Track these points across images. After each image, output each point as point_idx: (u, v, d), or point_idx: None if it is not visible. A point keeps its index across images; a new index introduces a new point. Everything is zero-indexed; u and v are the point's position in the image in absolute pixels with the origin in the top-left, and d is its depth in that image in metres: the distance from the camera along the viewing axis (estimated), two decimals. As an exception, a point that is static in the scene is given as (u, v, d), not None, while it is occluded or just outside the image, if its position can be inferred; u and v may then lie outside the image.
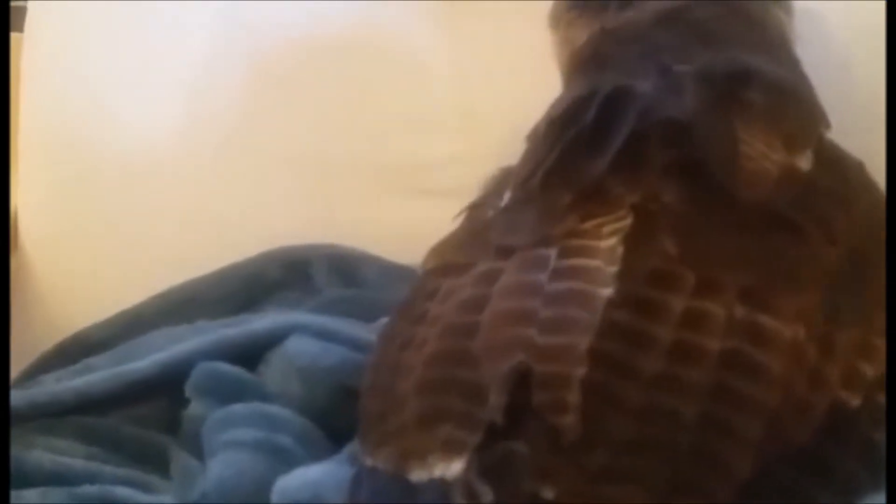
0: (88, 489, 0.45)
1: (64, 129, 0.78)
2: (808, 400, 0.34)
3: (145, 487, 0.46)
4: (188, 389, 0.50)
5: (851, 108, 0.77)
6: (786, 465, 0.33)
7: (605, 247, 0.37)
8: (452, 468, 0.32)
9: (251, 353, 0.52)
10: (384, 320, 0.54)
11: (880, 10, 0.71)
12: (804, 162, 0.41)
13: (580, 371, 0.33)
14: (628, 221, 0.37)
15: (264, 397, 0.49)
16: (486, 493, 0.31)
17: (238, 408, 0.47)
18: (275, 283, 0.65)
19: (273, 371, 0.50)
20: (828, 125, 0.46)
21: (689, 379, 0.33)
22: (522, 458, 0.32)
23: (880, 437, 0.36)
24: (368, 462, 0.36)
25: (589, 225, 0.38)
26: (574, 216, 0.39)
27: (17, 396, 0.51)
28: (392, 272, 0.65)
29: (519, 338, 0.35)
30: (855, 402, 0.36)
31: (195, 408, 0.49)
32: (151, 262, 0.75)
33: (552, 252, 0.38)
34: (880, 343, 0.38)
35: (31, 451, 0.47)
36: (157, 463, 0.49)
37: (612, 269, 0.36)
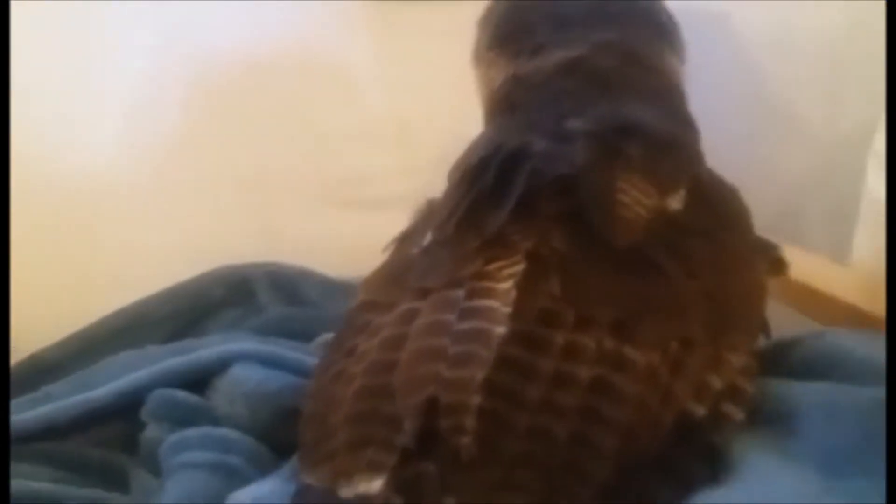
0: (57, 510, 0.49)
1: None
2: (659, 416, 0.41)
3: (109, 505, 0.50)
4: (144, 415, 0.55)
5: (754, 110, 0.83)
6: (639, 469, 0.39)
7: (502, 289, 0.42)
8: (374, 486, 0.38)
9: (199, 379, 0.56)
10: (325, 336, 0.59)
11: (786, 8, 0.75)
12: (676, 202, 0.47)
13: (476, 400, 0.39)
14: (522, 266, 0.43)
15: (214, 420, 0.53)
16: None
17: (191, 432, 0.52)
18: (219, 302, 0.70)
19: (220, 395, 0.55)
20: (702, 163, 0.52)
21: (564, 403, 0.39)
22: (431, 475, 0.38)
23: (720, 441, 0.42)
24: (306, 480, 0.42)
25: (492, 267, 0.44)
26: (480, 259, 0.45)
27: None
28: (332, 288, 0.70)
29: (430, 373, 0.40)
30: (700, 411, 0.42)
31: (152, 431, 0.54)
32: (95, 283, 0.77)
33: (461, 293, 0.43)
34: (731, 357, 0.45)
35: (-1, 477, 0.51)
36: (118, 482, 0.53)
37: (507, 309, 0.41)
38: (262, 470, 0.50)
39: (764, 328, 0.50)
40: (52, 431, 0.55)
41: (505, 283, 0.43)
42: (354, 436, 0.40)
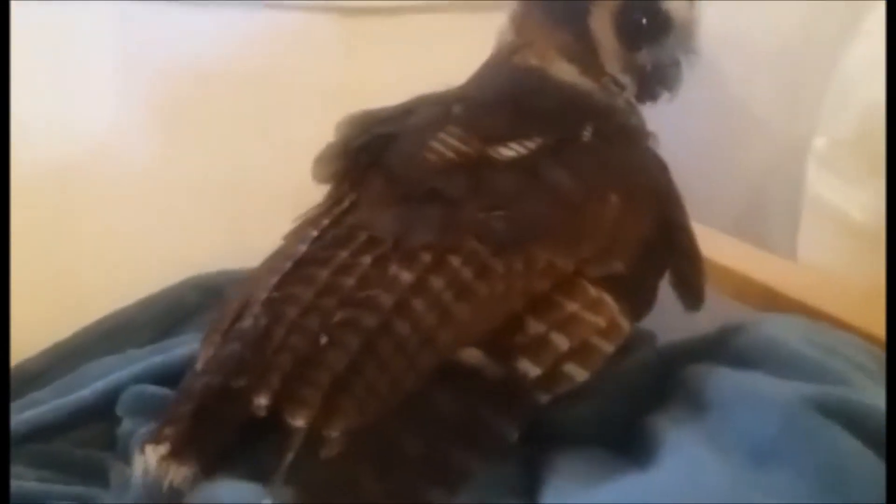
0: (42, 508, 0.52)
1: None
2: (435, 333, 0.46)
3: (91, 501, 0.53)
4: (119, 410, 0.58)
5: (713, 112, 0.85)
6: (435, 428, 0.44)
7: (325, 221, 0.52)
8: (208, 353, 0.49)
9: (176, 374, 0.59)
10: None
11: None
12: (509, 151, 0.52)
13: (264, 296, 0.49)
14: (345, 204, 0.53)
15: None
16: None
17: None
18: (195, 307, 0.74)
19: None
20: (579, 129, 0.54)
21: (325, 306, 0.47)
22: (241, 341, 0.48)
23: (546, 399, 0.45)
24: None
25: (335, 208, 0.53)
26: (330, 201, 0.55)
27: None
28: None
29: (259, 279, 0.51)
30: (534, 371, 0.45)
31: (126, 425, 0.57)
32: (73, 293, 0.81)
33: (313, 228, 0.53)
34: (586, 315, 0.47)
35: (-15, 479, 0.54)
36: (100, 478, 0.56)
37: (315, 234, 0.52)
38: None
39: (644, 289, 0.52)
40: (38, 434, 0.59)
41: (329, 217, 0.53)
42: (215, 319, 0.53)
